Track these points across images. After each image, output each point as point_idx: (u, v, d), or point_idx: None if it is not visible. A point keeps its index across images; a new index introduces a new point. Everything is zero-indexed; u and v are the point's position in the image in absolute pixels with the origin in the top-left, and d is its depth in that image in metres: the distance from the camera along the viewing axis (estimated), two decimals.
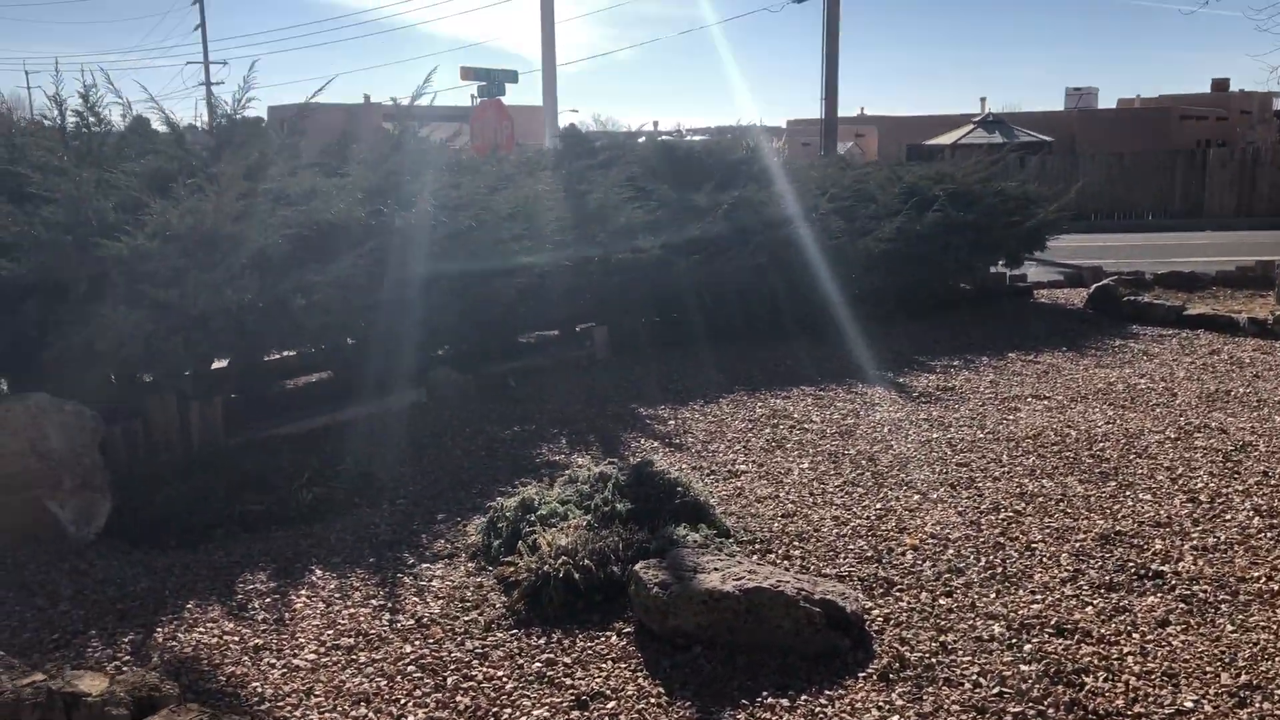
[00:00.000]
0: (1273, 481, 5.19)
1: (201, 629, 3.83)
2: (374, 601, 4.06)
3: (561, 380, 7.90)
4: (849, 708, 3.22)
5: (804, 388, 7.57)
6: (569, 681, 3.41)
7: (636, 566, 3.85)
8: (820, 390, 7.49)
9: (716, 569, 3.79)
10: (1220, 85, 47.14)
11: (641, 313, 9.44)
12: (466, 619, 3.88)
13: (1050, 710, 3.18)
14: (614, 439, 6.36)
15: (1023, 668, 3.41)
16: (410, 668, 3.52)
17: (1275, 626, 3.65)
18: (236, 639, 3.75)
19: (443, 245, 6.90)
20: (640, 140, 12.36)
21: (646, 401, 7.26)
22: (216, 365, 6.81)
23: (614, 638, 3.71)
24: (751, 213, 9.68)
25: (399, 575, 4.31)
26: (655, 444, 6.22)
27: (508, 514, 4.49)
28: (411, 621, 3.88)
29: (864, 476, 5.46)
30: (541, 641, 3.69)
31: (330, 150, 8.42)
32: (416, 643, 3.70)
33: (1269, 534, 4.50)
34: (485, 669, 3.51)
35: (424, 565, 4.41)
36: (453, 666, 3.53)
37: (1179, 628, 3.68)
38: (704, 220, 9.42)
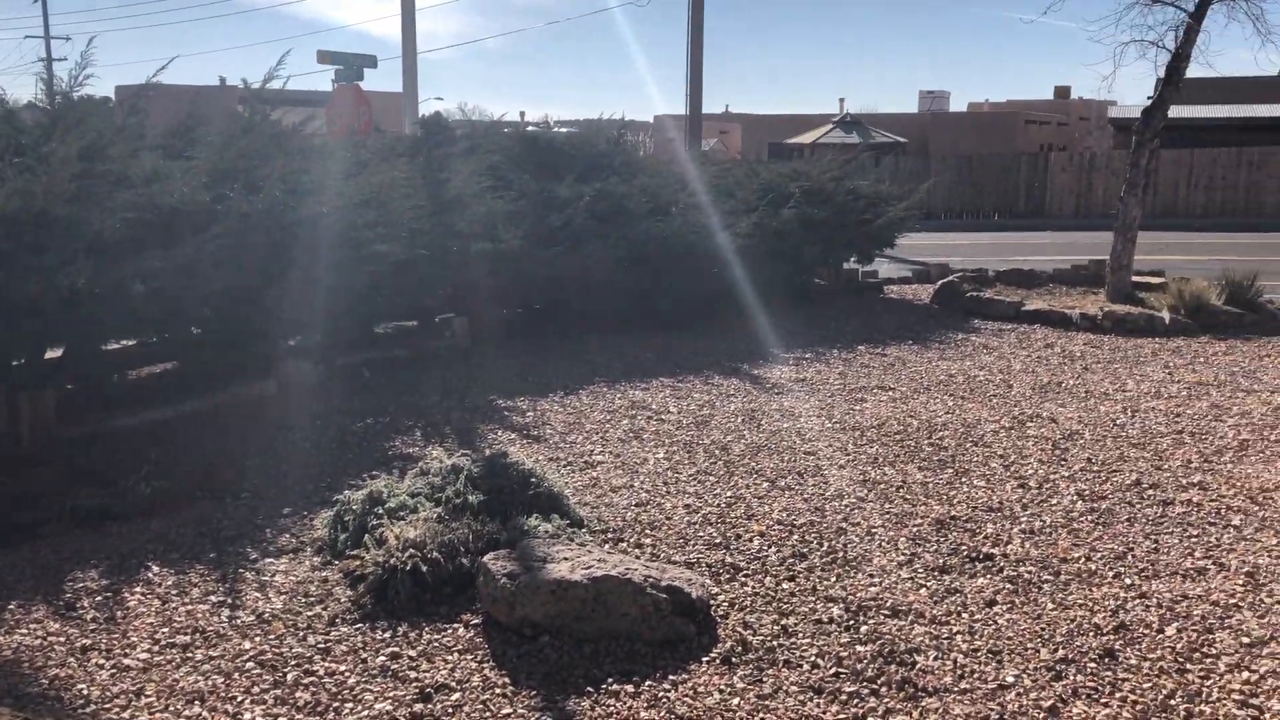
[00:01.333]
0: (1095, 468, 5.50)
1: (24, 630, 3.65)
2: (213, 598, 3.94)
3: (419, 372, 7.80)
4: (691, 691, 3.29)
5: (663, 379, 7.67)
6: (413, 674, 3.38)
7: (485, 558, 3.84)
8: (678, 382, 7.59)
9: (566, 559, 3.81)
10: (1062, 92, 49.50)
11: (503, 304, 9.40)
12: (310, 614, 3.81)
13: (883, 688, 3.30)
14: (471, 431, 6.32)
15: (859, 648, 3.53)
16: (249, 664, 3.43)
17: (1091, 604, 3.88)
18: (62, 640, 3.59)
19: (293, 232, 6.72)
20: (505, 130, 12.26)
21: (506, 393, 7.23)
22: (51, 355, 6.48)
23: (462, 630, 3.69)
24: (613, 205, 9.74)
25: (241, 570, 4.19)
26: (513, 435, 6.21)
27: (355, 507, 4.42)
28: (252, 617, 3.78)
29: (716, 465, 5.56)
30: (387, 635, 3.65)
31: (176, 132, 8.11)
32: (257, 639, 3.61)
33: (1089, 517, 4.78)
34: (327, 664, 3.44)
35: (267, 560, 4.30)
36: (294, 662, 3.45)
37: (1005, 607, 3.87)
38: (566, 211, 9.43)
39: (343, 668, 3.42)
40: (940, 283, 11.47)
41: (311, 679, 3.35)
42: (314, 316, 7.40)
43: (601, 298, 9.40)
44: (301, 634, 3.66)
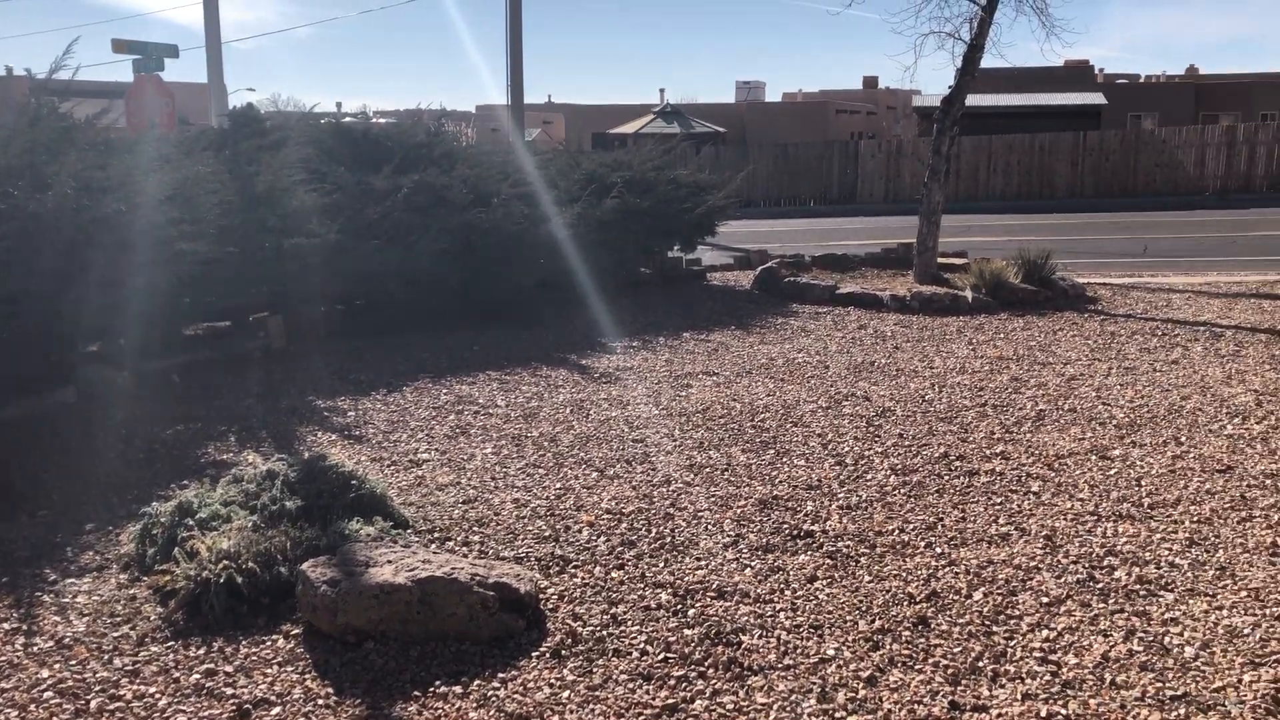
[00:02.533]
0: (906, 442, 5.74)
1: None
2: (6, 625, 3.68)
3: (232, 374, 7.49)
4: (521, 688, 3.27)
5: (490, 372, 7.59)
6: (230, 691, 3.24)
7: (304, 566, 3.71)
8: (506, 375, 7.53)
9: (390, 561, 3.73)
10: (870, 82, 51.56)
11: (321, 301, 9.12)
12: (116, 635, 3.60)
13: (710, 670, 3.36)
14: (289, 434, 6.10)
15: (686, 632, 3.58)
16: (47, 694, 3.22)
17: (905, 574, 4.05)
18: None
19: (89, 232, 6.34)
20: (321, 121, 11.88)
21: (325, 393, 7.02)
22: None
23: (281, 641, 3.56)
24: (434, 196, 9.56)
25: (38, 594, 3.93)
26: (334, 437, 6.03)
27: (163, 519, 4.20)
28: (51, 643, 3.54)
29: (545, 458, 5.54)
30: (201, 652, 3.49)
31: None
32: (56, 666, 3.39)
33: (902, 490, 4.99)
34: (136, 687, 3.26)
35: (68, 581, 4.05)
36: (98, 688, 3.26)
37: (825, 582, 4.00)
38: (385, 204, 9.21)
39: (153, 689, 3.25)
40: (760, 269, 11.75)
41: (118, 704, 3.17)
42: (117, 320, 7.01)
43: (425, 291, 9.23)
44: (107, 657, 3.45)
